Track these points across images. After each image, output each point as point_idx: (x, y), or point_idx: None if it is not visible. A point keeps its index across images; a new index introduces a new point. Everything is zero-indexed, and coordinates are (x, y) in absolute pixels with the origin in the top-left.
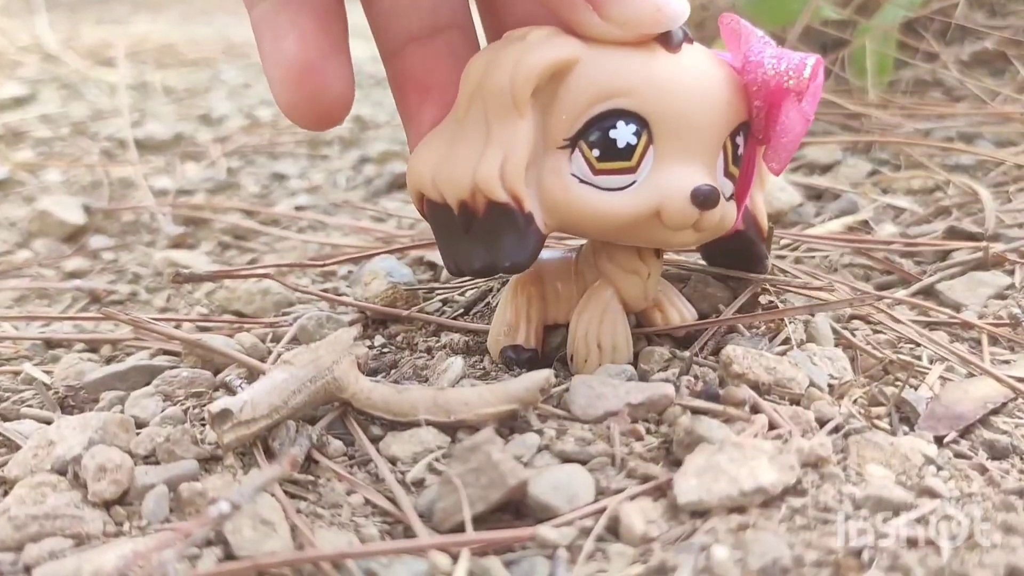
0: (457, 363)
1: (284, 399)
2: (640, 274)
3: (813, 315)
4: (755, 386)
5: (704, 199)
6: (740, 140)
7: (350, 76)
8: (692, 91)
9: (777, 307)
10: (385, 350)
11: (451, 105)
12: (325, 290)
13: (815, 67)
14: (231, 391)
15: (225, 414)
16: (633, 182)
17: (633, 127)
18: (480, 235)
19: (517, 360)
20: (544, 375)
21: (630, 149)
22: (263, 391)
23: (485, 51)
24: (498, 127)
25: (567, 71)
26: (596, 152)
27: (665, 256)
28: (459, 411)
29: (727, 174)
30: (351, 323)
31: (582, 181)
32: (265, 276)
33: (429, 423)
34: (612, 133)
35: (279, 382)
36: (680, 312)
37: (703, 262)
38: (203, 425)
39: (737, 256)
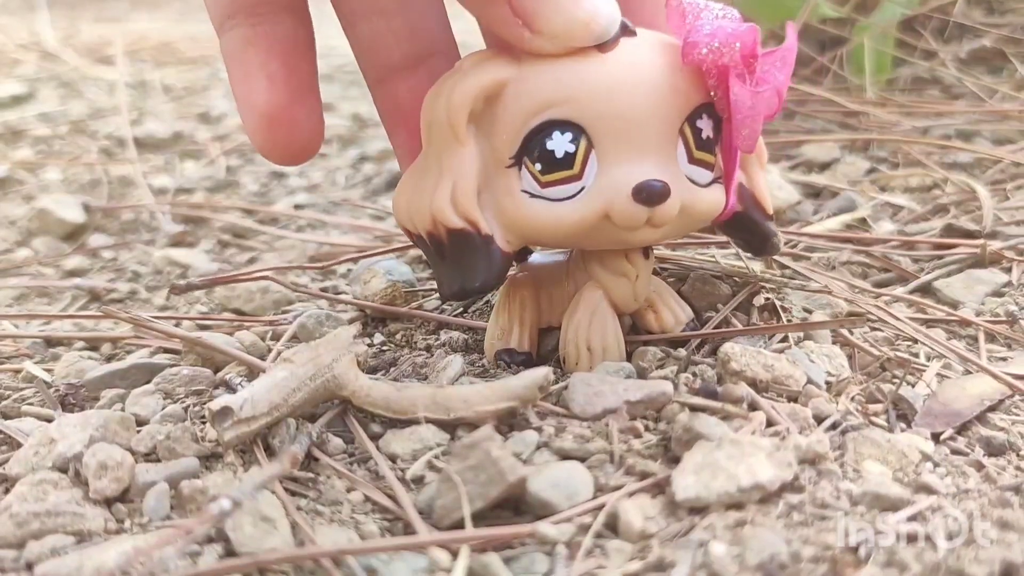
0: (456, 361)
1: (284, 397)
2: (628, 276)
3: (805, 335)
4: (753, 383)
5: (648, 195)
6: (704, 123)
7: (319, 118)
8: (627, 88)
9: (775, 305)
10: (384, 348)
11: None
12: (324, 289)
13: (747, 38)
14: (231, 389)
15: (225, 412)
16: (581, 188)
17: (569, 135)
18: (451, 261)
19: (511, 363)
20: (543, 373)
21: (569, 157)
22: (263, 389)
23: (433, 87)
24: (446, 158)
25: (500, 91)
26: (539, 166)
27: (660, 253)
28: (458, 409)
29: (694, 160)
30: (350, 321)
31: (533, 195)
32: (264, 278)
33: (428, 420)
34: (549, 144)
35: (279, 380)
36: (674, 313)
37: (699, 260)
38: (203, 423)
39: (744, 238)
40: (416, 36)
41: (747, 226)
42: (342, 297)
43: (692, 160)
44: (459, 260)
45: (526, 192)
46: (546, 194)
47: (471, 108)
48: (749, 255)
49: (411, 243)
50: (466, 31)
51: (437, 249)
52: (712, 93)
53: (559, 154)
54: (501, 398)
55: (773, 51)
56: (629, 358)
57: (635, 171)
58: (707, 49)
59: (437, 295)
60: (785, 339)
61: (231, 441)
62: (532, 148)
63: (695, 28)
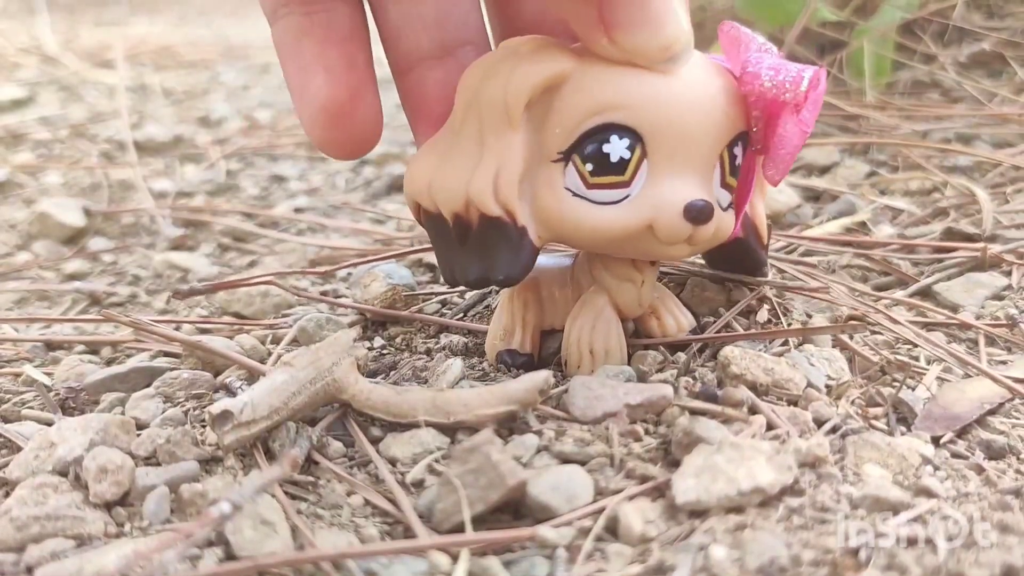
0: (456, 365)
1: (284, 400)
2: (634, 282)
3: (805, 340)
4: (753, 387)
5: (697, 214)
6: (738, 151)
7: (379, 111)
8: (687, 105)
9: (775, 309)
10: (384, 352)
11: None
12: (324, 292)
13: (813, 79)
14: (231, 392)
15: (225, 415)
16: (627, 196)
17: (627, 141)
18: (474, 247)
19: (512, 365)
20: (543, 376)
21: (623, 163)
22: (263, 392)
23: (481, 62)
24: (492, 140)
25: (560, 84)
26: (589, 166)
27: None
28: (458, 412)
29: (724, 185)
30: (350, 325)
31: (575, 195)
32: (266, 283)
33: (428, 424)
34: (605, 147)
35: (279, 384)
36: (677, 319)
37: (701, 264)
38: (203, 426)
39: (736, 262)
40: (447, 24)
41: (744, 253)
42: (342, 301)
43: (723, 184)
44: (485, 248)
45: (569, 190)
46: (591, 196)
47: (531, 95)
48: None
49: (416, 221)
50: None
51: (459, 233)
52: (753, 126)
53: (614, 158)
54: (501, 402)
55: (812, 88)
56: (629, 362)
57: (683, 188)
58: (771, 83)
59: (443, 284)
60: (785, 343)
61: (231, 444)
62: (585, 147)
63: (755, 59)
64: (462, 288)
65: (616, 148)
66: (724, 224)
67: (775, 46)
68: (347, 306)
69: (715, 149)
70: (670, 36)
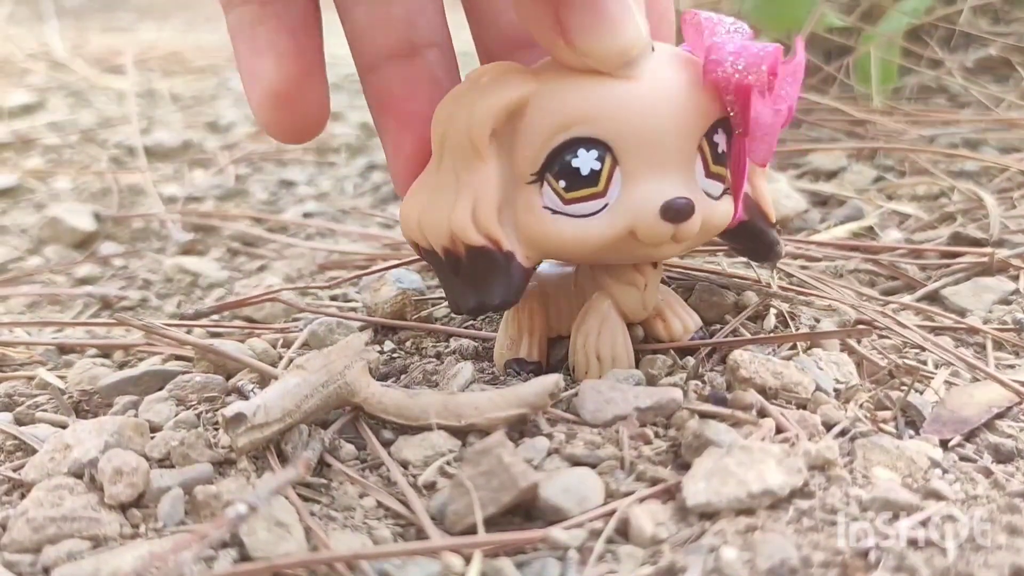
0: (467, 368)
1: (297, 403)
2: (637, 285)
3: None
4: (762, 391)
5: (675, 214)
6: (720, 138)
7: (325, 97)
8: (651, 106)
9: (783, 315)
10: (395, 355)
11: (429, 135)
12: (334, 297)
13: (772, 59)
14: (243, 396)
15: (239, 418)
16: (605, 205)
17: (595, 153)
18: (467, 277)
19: (520, 372)
20: (553, 380)
21: (595, 175)
22: (276, 396)
23: (449, 96)
24: (465, 174)
25: (523, 108)
26: (563, 183)
27: (666, 262)
28: (470, 415)
29: (710, 175)
30: (361, 328)
31: (555, 212)
32: (273, 299)
33: (440, 427)
34: (574, 162)
35: (292, 387)
36: (683, 321)
37: (707, 269)
38: (216, 429)
39: (749, 246)
40: (413, 25)
41: (752, 234)
42: (348, 314)
43: (709, 174)
44: (477, 276)
45: (548, 208)
46: (569, 210)
47: (494, 126)
48: (755, 263)
49: (417, 256)
50: (456, 24)
51: (452, 265)
52: (729, 110)
53: (584, 171)
54: (512, 405)
55: (786, 62)
56: (637, 366)
57: (660, 188)
58: (732, 68)
59: (447, 304)
60: (794, 347)
61: (244, 447)
62: (555, 165)
63: (717, 46)
64: None
65: (585, 161)
66: (718, 213)
67: (743, 23)
68: (355, 318)
69: (690, 143)
70: (628, 40)
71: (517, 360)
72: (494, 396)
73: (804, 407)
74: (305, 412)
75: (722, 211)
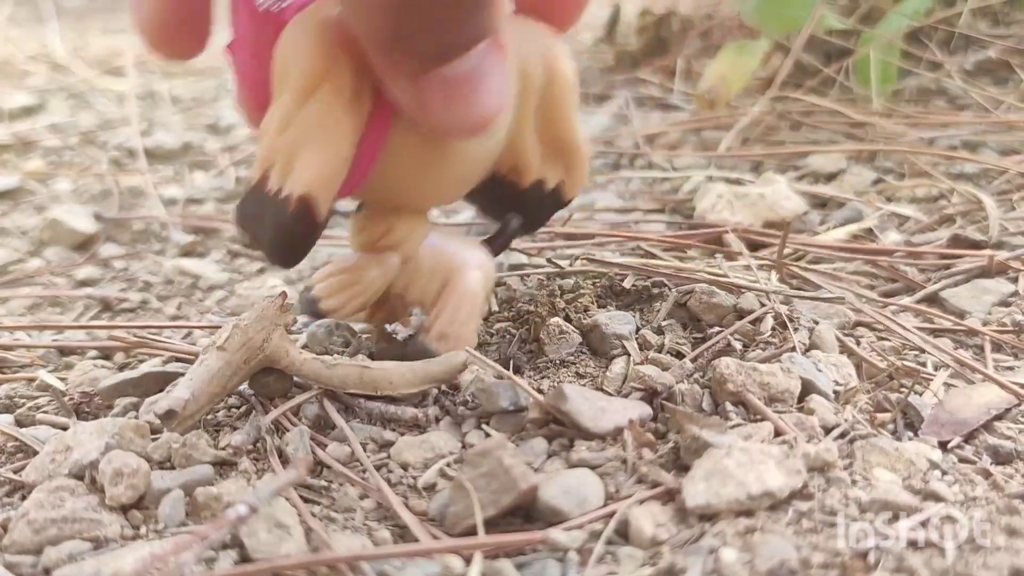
0: None
1: (222, 384)
2: None
3: (812, 344)
4: (751, 403)
5: None
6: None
7: (206, 32)
8: None
9: (781, 317)
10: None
11: None
12: None
13: None
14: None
15: (170, 414)
16: None
17: None
18: None
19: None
20: (461, 358)
21: None
22: (202, 383)
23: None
24: None
25: None
26: None
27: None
28: (385, 388)
29: None
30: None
31: None
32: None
33: (354, 395)
34: None
35: (216, 371)
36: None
37: (709, 270)
38: (217, 431)
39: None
40: None
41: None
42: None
43: None
44: None
45: None
46: None
47: None
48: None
49: None
50: None
51: None
52: None
53: None
54: (423, 380)
55: None
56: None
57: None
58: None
59: None
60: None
61: (185, 431)
62: None
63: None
64: None
65: None
66: None
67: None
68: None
69: None
70: (484, 115)
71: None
72: (406, 372)
73: (801, 410)
74: (230, 389)
75: None
